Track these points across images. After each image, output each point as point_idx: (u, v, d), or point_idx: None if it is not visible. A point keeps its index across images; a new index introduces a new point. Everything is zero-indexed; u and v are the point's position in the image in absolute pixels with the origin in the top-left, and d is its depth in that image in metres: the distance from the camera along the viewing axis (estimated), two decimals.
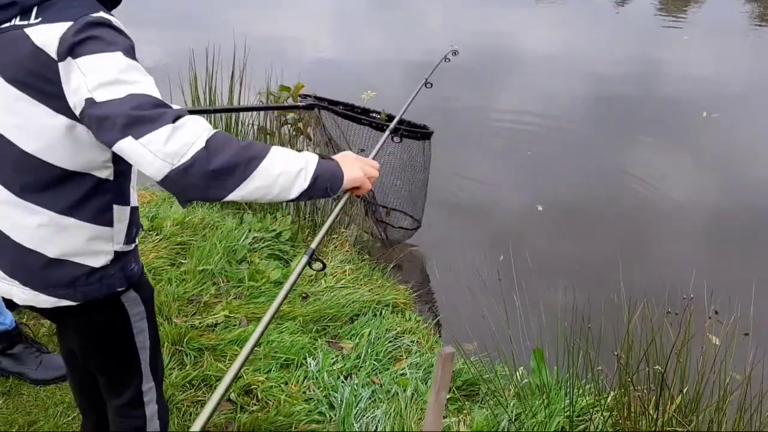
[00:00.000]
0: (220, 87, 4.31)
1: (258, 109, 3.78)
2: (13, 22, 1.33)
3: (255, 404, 2.50)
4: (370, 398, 2.57)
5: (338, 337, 2.99)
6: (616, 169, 5.14)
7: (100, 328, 1.63)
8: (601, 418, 2.21)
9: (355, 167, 1.47)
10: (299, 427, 2.41)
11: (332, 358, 2.78)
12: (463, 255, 3.97)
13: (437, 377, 1.93)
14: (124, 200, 1.52)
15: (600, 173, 5.10)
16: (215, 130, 1.28)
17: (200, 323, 2.84)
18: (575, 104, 6.38)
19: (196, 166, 1.23)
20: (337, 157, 1.48)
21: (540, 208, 4.57)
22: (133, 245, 1.60)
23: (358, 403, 2.50)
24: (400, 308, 3.34)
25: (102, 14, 1.33)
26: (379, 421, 2.46)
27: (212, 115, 3.85)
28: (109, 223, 1.49)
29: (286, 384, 2.60)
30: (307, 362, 2.73)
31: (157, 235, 3.38)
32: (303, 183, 1.34)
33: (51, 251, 1.45)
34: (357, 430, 2.41)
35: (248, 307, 3.00)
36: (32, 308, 1.57)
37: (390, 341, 2.96)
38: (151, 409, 1.80)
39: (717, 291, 2.29)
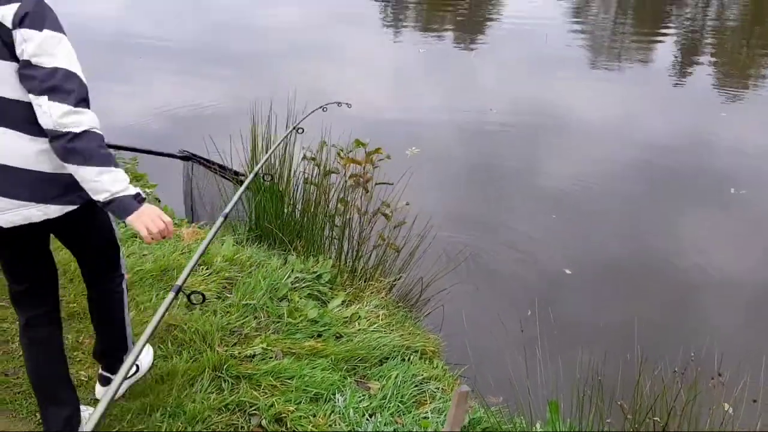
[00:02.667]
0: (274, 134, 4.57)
1: (140, 151, 4.48)
2: None
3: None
4: None
5: (367, 377, 3.16)
6: (650, 235, 5.25)
7: (95, 225, 2.35)
8: None
9: (141, 218, 2.06)
10: None
11: (359, 397, 2.94)
12: (492, 311, 4.12)
13: (451, 414, 2.08)
14: None
15: (633, 239, 5.21)
16: (94, 130, 1.99)
17: (239, 353, 3.05)
18: (620, 172, 6.49)
19: (64, 139, 1.96)
20: (143, 206, 2.08)
21: (568, 271, 4.72)
22: None
23: None
24: (429, 355, 3.50)
25: None
26: None
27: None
28: None
29: (314, 416, 2.77)
30: (335, 398, 2.90)
31: (206, 269, 3.63)
32: (102, 197, 2.02)
33: (49, 168, 2.08)
34: None
35: (285, 341, 3.19)
36: (35, 231, 2.18)
37: (416, 385, 3.11)
38: (125, 274, 2.61)
39: (728, 357, 2.40)
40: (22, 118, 2.02)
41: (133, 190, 2.06)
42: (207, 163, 4.50)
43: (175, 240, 4.00)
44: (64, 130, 1.94)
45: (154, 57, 9.28)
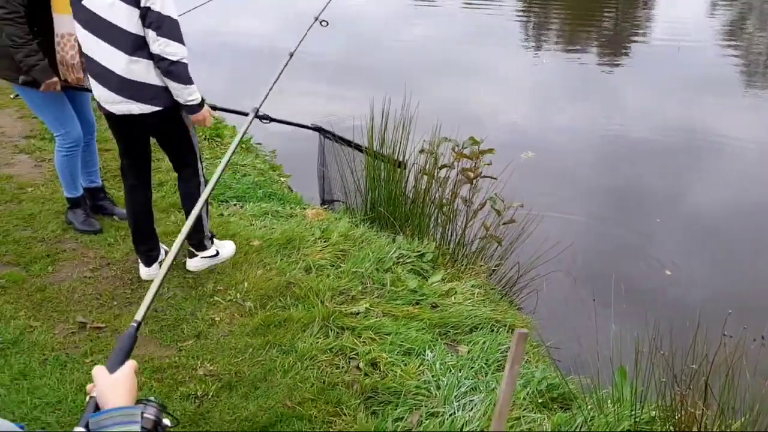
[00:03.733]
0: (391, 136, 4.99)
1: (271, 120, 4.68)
2: None
3: (377, 374, 3.10)
4: (472, 387, 3.05)
5: (456, 341, 3.51)
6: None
7: (174, 123, 3.41)
8: (662, 426, 2.53)
9: (201, 115, 3.42)
10: (408, 396, 2.96)
11: (447, 356, 3.31)
12: (586, 301, 4.32)
13: (512, 352, 2.40)
14: None
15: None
16: (184, 60, 3.17)
17: (346, 310, 3.51)
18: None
19: (165, 63, 3.14)
20: (203, 108, 3.39)
21: (668, 272, 4.80)
22: None
23: (459, 387, 3.00)
24: None
25: None
26: (474, 404, 2.93)
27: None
28: None
29: (405, 365, 3.16)
30: (425, 353, 3.28)
31: (325, 242, 4.14)
32: (182, 101, 3.27)
33: (145, 78, 3.20)
34: (455, 408, 2.90)
35: (386, 305, 3.62)
36: (132, 124, 3.35)
37: (501, 353, 3.41)
38: (202, 178, 3.64)
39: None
40: (128, 43, 3.15)
41: (199, 99, 3.32)
42: (335, 137, 4.98)
43: (300, 218, 4.56)
44: (167, 57, 3.13)
45: (302, 71, 9.98)
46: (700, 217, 5.74)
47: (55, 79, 3.70)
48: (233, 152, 2.09)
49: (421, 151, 4.65)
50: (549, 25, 13.44)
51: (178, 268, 3.85)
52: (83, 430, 1.20)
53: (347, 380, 3.03)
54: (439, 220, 4.63)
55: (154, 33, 3.08)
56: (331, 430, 2.79)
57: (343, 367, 3.14)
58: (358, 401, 2.92)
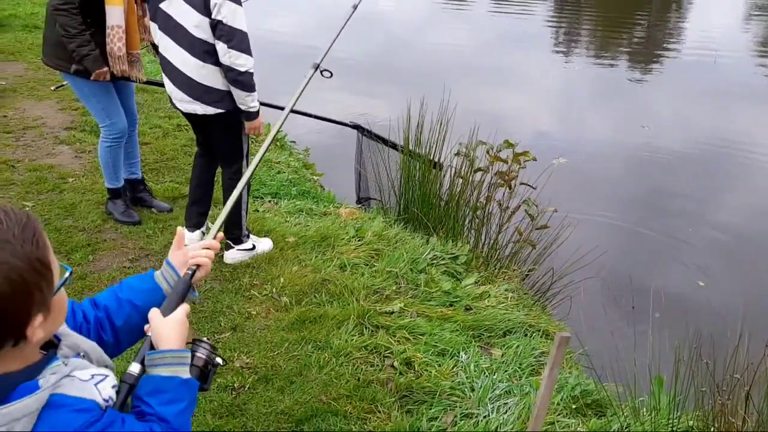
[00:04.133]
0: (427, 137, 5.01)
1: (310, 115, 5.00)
2: None
3: (412, 373, 3.11)
4: (506, 391, 3.05)
5: (490, 344, 3.51)
6: None
7: (231, 127, 3.62)
8: None
9: (255, 123, 3.63)
10: (442, 397, 2.97)
11: (481, 358, 3.31)
12: (620, 309, 4.29)
13: (552, 355, 2.40)
14: None
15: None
16: (250, 71, 3.37)
17: (380, 308, 3.53)
18: None
19: (234, 73, 3.35)
20: (258, 117, 3.62)
21: (701, 283, 4.74)
22: None
23: (494, 390, 3.00)
24: (551, 336, 3.77)
25: None
26: (509, 407, 2.93)
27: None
28: None
29: (439, 366, 3.18)
30: (459, 354, 3.28)
31: (359, 240, 4.17)
32: (243, 107, 3.49)
33: (211, 83, 3.43)
34: (489, 410, 2.90)
35: (420, 305, 3.63)
36: (196, 119, 3.64)
37: (534, 357, 3.41)
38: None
39: None
40: (198, 48, 3.37)
41: (258, 107, 3.54)
42: (373, 135, 5.02)
43: (334, 217, 4.59)
44: (236, 68, 3.34)
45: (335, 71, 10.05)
46: (731, 228, 5.68)
47: (106, 68, 3.80)
48: (286, 117, 2.21)
49: (457, 153, 4.66)
50: (580, 31, 13.37)
51: (215, 261, 3.88)
52: (139, 365, 1.29)
53: (382, 378, 3.05)
54: (473, 223, 4.63)
55: (225, 45, 3.30)
56: (365, 427, 2.81)
57: (377, 365, 3.16)
58: (393, 399, 2.94)
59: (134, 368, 1.28)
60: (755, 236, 5.60)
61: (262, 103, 4.82)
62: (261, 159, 2.06)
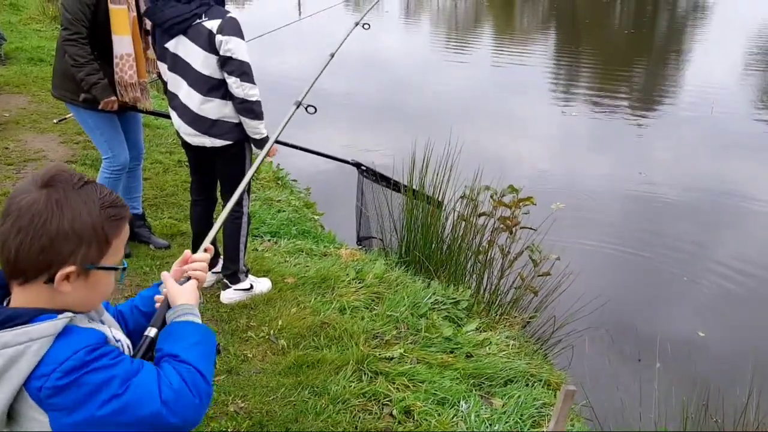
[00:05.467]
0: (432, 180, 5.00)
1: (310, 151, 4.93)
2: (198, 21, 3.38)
3: (411, 423, 3.02)
4: None
5: (491, 393, 3.42)
6: None
7: (236, 160, 3.63)
8: None
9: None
10: None
11: (482, 407, 3.22)
12: (622, 360, 4.21)
13: (557, 408, 2.33)
14: None
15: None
16: (259, 100, 3.46)
17: (380, 354, 3.45)
18: None
19: (246, 104, 3.44)
20: (266, 143, 3.16)
21: (701, 333, 4.68)
22: None
23: None
24: (553, 387, 3.68)
25: (232, 14, 3.41)
26: None
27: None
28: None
29: (439, 415, 3.08)
30: (459, 404, 3.19)
31: (359, 283, 4.10)
32: (253, 136, 3.54)
33: (217, 116, 3.49)
34: None
35: (420, 351, 3.55)
36: (204, 153, 3.66)
37: (536, 408, 3.31)
38: (246, 210, 3.75)
39: None
40: (204, 85, 3.45)
41: (266, 134, 3.53)
42: (373, 173, 5.00)
43: (334, 258, 4.53)
44: (249, 99, 3.43)
45: (339, 108, 10.10)
46: (727, 278, 5.63)
47: (114, 98, 3.82)
48: (270, 145, 2.51)
49: (462, 196, 4.64)
50: (578, 81, 13.48)
51: (211, 301, 3.83)
52: (155, 329, 1.41)
53: (380, 427, 2.96)
54: (475, 268, 4.58)
55: (237, 79, 3.39)
56: None
57: (376, 413, 3.07)
58: None
59: (151, 332, 1.40)
60: (757, 282, 5.56)
61: (292, 145, 4.93)
62: (253, 173, 2.33)
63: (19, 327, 1.16)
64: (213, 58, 3.40)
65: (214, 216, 3.98)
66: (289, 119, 2.56)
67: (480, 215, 4.62)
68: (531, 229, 4.57)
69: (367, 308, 3.89)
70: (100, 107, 3.82)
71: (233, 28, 3.37)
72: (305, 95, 2.87)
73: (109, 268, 1.28)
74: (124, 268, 1.34)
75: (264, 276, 4.07)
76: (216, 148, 3.60)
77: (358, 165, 5.08)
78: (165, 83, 3.69)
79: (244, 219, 3.76)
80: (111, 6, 3.72)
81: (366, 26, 3.80)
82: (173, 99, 3.62)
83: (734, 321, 5.06)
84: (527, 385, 3.53)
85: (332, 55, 3.37)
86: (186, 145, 3.74)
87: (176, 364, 1.29)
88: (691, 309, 5.15)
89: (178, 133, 3.75)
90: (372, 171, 4.99)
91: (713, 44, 16.26)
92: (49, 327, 1.17)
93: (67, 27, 3.68)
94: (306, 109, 2.94)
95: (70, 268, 1.21)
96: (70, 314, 1.21)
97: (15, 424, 1.18)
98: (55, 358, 1.15)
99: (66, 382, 1.14)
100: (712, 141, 9.50)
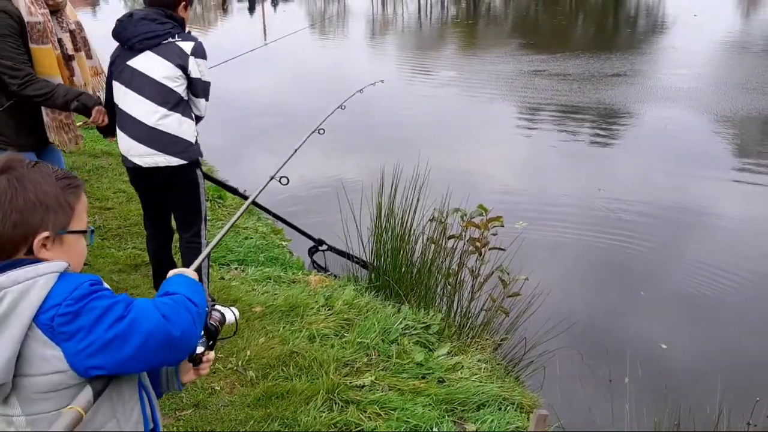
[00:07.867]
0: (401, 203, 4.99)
1: (280, 219, 5.23)
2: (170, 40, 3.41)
3: None
4: None
5: (464, 419, 3.39)
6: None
7: (191, 182, 3.54)
8: None
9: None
10: None
11: None
12: (593, 378, 4.22)
13: None
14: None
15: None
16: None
17: (351, 382, 3.39)
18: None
19: (202, 119, 3.62)
20: None
21: (664, 346, 4.71)
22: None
23: None
24: (526, 409, 3.66)
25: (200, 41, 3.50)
26: None
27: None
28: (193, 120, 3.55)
29: None
30: (432, 430, 3.16)
31: (329, 309, 4.06)
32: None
33: (176, 132, 3.41)
34: None
35: (392, 378, 3.51)
36: (155, 176, 3.49)
37: None
38: (203, 241, 3.66)
39: None
40: (165, 98, 3.38)
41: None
42: (338, 252, 5.22)
43: (303, 285, 4.48)
44: (204, 115, 3.57)
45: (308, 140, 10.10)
46: (685, 291, 5.70)
47: (101, 106, 3.52)
48: (246, 208, 2.45)
49: (431, 219, 4.63)
50: (539, 108, 13.69)
51: None
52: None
53: None
54: (445, 291, 4.56)
55: (203, 100, 3.53)
56: None
57: None
58: None
59: None
60: (710, 298, 5.63)
61: (228, 188, 5.10)
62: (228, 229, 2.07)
63: (27, 266, 1.29)
64: (180, 76, 3.40)
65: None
66: (262, 189, 2.72)
67: (449, 238, 4.61)
68: (500, 249, 4.57)
69: (337, 335, 3.84)
70: (91, 118, 3.48)
71: (204, 53, 3.49)
72: (279, 170, 2.94)
73: (78, 231, 1.41)
74: (93, 231, 1.48)
75: (231, 306, 3.99)
76: (170, 169, 3.44)
77: (321, 242, 5.31)
78: (111, 108, 3.49)
79: (203, 248, 3.64)
80: (33, 46, 3.31)
81: (321, 132, 3.93)
82: (125, 119, 3.43)
83: (699, 332, 5.10)
84: (500, 408, 3.51)
85: (319, 132, 3.81)
86: (135, 175, 3.57)
87: (167, 295, 1.46)
88: (657, 322, 5.18)
89: (125, 162, 3.54)
90: (334, 249, 5.23)
91: (667, 63, 16.64)
92: (54, 265, 1.31)
93: (14, 76, 3.24)
94: (279, 180, 2.98)
95: (45, 234, 1.34)
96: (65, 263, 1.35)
97: (26, 366, 1.26)
98: (62, 290, 1.28)
99: (77, 308, 1.26)
100: (666, 156, 9.70)
